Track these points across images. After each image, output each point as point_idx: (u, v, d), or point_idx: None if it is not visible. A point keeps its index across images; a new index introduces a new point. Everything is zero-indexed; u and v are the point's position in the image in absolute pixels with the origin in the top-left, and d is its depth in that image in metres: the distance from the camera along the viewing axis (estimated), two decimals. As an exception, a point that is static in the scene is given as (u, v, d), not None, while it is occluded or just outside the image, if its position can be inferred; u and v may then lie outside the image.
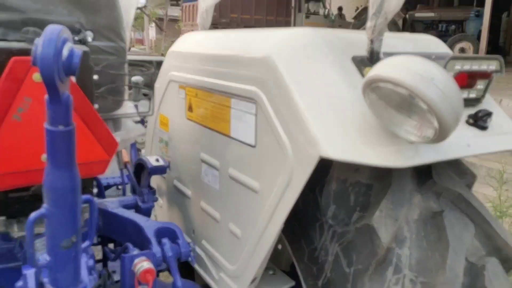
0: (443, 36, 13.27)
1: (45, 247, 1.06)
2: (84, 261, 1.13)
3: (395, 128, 0.99)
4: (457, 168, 1.37)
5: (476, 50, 11.48)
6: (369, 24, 1.12)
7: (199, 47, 1.72)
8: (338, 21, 16.67)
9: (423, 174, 1.29)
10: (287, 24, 17.31)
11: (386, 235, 1.17)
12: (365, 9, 12.05)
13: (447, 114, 0.86)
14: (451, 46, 12.31)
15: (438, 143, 0.95)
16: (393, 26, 12.40)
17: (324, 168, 1.30)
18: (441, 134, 0.91)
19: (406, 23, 14.18)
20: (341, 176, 1.29)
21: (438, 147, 1.05)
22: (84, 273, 1.10)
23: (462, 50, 12.39)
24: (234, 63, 1.41)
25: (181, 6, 18.72)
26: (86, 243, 1.07)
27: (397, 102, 0.94)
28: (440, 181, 1.26)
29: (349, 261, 1.23)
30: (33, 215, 0.95)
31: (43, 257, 1.02)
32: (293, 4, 17.42)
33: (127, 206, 1.79)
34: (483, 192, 2.68)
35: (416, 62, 0.90)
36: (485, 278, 1.15)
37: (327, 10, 17.20)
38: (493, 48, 13.67)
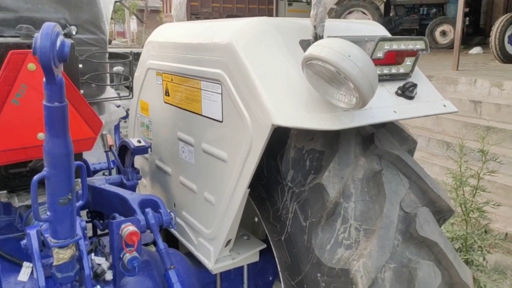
0: (424, 19, 13.47)
1: (45, 212, 1.25)
2: (78, 222, 1.33)
3: (328, 97, 1.20)
4: (398, 136, 1.59)
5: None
6: (312, 12, 1.31)
7: (173, 36, 1.90)
8: (321, 8, 16.71)
9: (367, 141, 1.51)
10: (269, 12, 17.38)
11: (334, 191, 1.38)
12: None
13: (363, 84, 1.07)
14: (433, 30, 12.49)
15: (361, 108, 1.16)
16: (375, 11, 12.56)
17: (284, 139, 1.50)
18: (361, 101, 1.12)
19: (388, 7, 14.32)
20: (298, 145, 1.50)
21: (368, 113, 1.26)
22: (78, 228, 1.31)
23: (444, 33, 12.59)
24: (202, 50, 1.60)
25: (161, -4, 18.60)
26: (80, 202, 1.28)
27: (328, 76, 1.14)
28: (381, 145, 1.48)
29: (305, 216, 1.45)
30: (36, 176, 1.14)
31: (44, 217, 1.22)
32: (275, -8, 17.45)
33: (113, 184, 1.97)
34: (444, 165, 2.89)
35: (338, 42, 1.11)
36: (416, 223, 1.37)
37: (310, -4, 17.25)
38: (474, 30, 13.89)
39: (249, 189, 1.49)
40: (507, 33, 8.00)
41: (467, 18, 12.04)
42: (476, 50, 11.14)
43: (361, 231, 1.37)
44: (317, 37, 1.33)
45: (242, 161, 1.44)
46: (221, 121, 1.54)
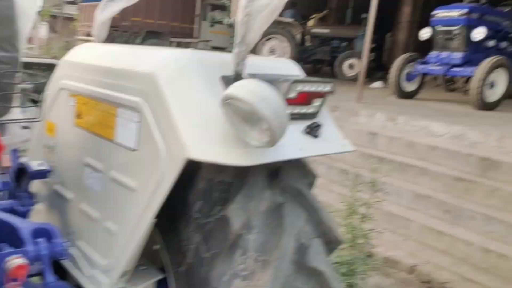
0: (335, 51, 14.41)
1: None
2: None
3: (242, 135, 1.29)
4: (301, 170, 1.71)
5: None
6: (235, 50, 1.38)
7: (92, 58, 1.87)
8: (242, 30, 17.12)
9: (274, 174, 1.60)
10: (191, 31, 17.38)
11: (237, 223, 1.45)
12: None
13: (275, 125, 1.19)
14: (342, 62, 13.41)
15: (271, 146, 1.27)
16: (292, 39, 13.17)
17: (193, 169, 1.54)
18: (272, 140, 1.24)
19: (304, 37, 15.08)
20: (208, 176, 1.54)
21: (278, 150, 1.36)
22: None
23: (351, 66, 13.54)
24: (123, 76, 1.60)
25: (78, 5, 17.73)
26: None
27: (244, 115, 1.24)
28: (286, 179, 1.59)
29: (207, 247, 1.50)
30: None
31: None
32: (197, 12, 17.52)
33: (3, 210, 1.79)
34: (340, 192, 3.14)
35: (255, 84, 1.22)
36: (309, 254, 1.51)
37: (232, 19, 17.61)
38: (377, 65, 15.14)
39: (156, 219, 1.50)
40: (405, 71, 8.83)
41: (373, 54, 13.06)
42: (377, 84, 12.11)
43: (259, 262, 1.44)
44: (237, 74, 1.39)
45: (151, 191, 1.47)
46: (135, 150, 1.56)
